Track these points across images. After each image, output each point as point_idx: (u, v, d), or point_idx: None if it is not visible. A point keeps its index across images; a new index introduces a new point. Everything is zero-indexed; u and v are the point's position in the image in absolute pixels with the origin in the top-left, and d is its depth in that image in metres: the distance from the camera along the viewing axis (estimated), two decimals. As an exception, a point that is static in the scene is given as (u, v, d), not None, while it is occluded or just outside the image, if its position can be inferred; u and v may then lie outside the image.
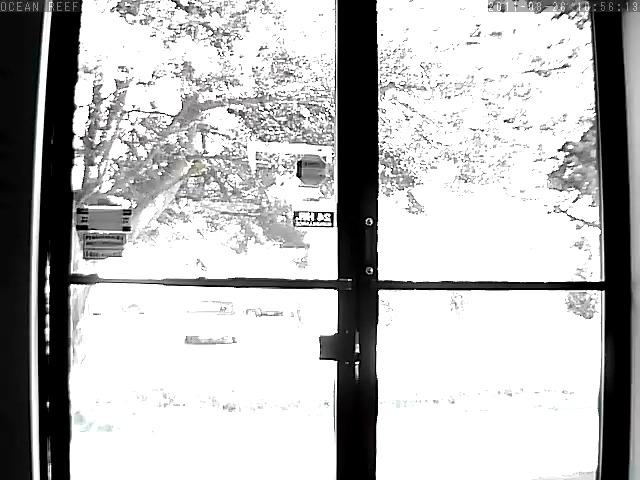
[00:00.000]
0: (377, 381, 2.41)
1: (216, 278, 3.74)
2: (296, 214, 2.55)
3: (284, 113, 6.67)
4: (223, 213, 7.47)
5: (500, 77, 6.78)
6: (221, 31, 6.37)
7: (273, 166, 6.66)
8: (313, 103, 6.64)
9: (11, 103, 2.16)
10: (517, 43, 6.67)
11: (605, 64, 2.69)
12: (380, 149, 5.89)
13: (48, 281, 2.27)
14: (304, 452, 5.64)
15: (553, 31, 6.41)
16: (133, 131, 6.79)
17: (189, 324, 8.47)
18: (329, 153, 2.63)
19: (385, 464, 2.50)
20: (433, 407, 7.37)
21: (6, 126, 2.15)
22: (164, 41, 6.31)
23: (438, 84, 6.65)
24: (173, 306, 8.35)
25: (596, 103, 2.70)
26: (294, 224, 2.56)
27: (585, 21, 5.24)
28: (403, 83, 6.63)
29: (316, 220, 2.52)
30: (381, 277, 2.43)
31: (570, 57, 6.65)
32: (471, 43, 6.65)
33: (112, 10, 6.13)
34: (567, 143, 7.09)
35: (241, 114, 6.74)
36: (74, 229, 2.34)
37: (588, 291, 8.25)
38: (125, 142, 6.78)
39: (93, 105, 6.45)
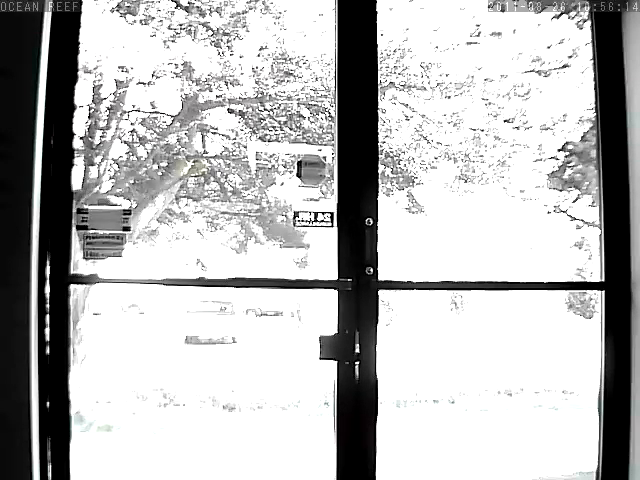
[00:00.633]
0: (377, 381, 2.41)
1: (216, 278, 3.73)
2: (296, 214, 2.55)
3: (284, 113, 6.66)
4: (223, 213, 7.46)
5: (500, 77, 6.77)
6: (221, 31, 6.37)
7: (273, 166, 6.65)
8: (313, 103, 6.64)
9: (11, 103, 2.16)
10: (517, 43, 6.67)
11: (605, 64, 2.69)
12: (380, 149, 5.89)
13: (48, 281, 2.27)
14: (304, 452, 5.64)
15: (553, 31, 6.40)
16: (133, 131, 6.79)
17: (189, 324, 8.46)
18: (329, 153, 2.63)
19: (385, 464, 2.50)
20: (433, 407, 7.37)
21: (6, 126, 2.15)
22: (164, 41, 6.31)
23: (438, 84, 6.64)
24: (173, 306, 8.34)
25: (596, 103, 2.71)
26: (294, 224, 2.56)
27: (585, 21, 5.23)
28: (403, 83, 6.63)
29: (316, 220, 2.52)
30: (381, 277, 2.43)
31: (570, 57, 6.65)
32: (471, 43, 6.65)
33: (112, 10, 6.13)
34: (567, 143, 7.09)
35: (241, 114, 6.74)
36: (74, 229, 2.34)
37: (588, 291, 8.25)
38: (125, 142, 6.78)
39: (93, 105, 6.45)
